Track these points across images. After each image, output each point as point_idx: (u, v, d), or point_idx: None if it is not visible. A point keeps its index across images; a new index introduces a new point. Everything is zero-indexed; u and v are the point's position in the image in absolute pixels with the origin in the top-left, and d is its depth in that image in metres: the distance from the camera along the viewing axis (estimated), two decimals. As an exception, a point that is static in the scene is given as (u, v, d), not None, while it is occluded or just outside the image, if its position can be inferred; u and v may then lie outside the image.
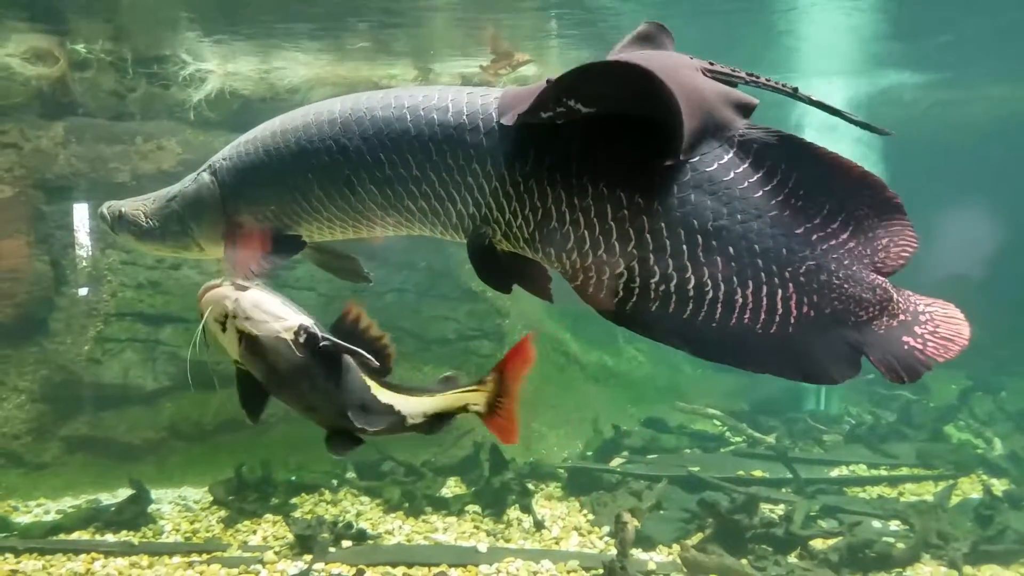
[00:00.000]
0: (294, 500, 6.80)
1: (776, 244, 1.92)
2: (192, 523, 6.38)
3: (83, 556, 5.67)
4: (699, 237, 1.94)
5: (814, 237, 1.93)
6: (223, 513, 6.50)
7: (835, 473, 7.84)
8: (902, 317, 1.98)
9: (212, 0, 6.50)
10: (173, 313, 7.53)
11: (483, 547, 5.92)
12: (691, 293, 1.95)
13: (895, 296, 1.98)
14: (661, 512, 6.55)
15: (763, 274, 1.93)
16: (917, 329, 1.98)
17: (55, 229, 7.24)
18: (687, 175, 1.93)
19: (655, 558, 5.84)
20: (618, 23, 7.52)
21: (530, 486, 6.95)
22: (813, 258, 1.93)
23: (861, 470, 7.97)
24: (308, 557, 5.63)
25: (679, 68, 1.94)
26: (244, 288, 2.33)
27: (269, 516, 6.44)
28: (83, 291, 7.27)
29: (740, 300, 1.94)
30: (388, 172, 2.25)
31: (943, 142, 10.58)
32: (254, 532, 6.21)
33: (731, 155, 1.92)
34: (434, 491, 6.85)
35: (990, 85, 10.58)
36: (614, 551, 5.64)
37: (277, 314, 2.33)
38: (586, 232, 2.01)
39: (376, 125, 2.24)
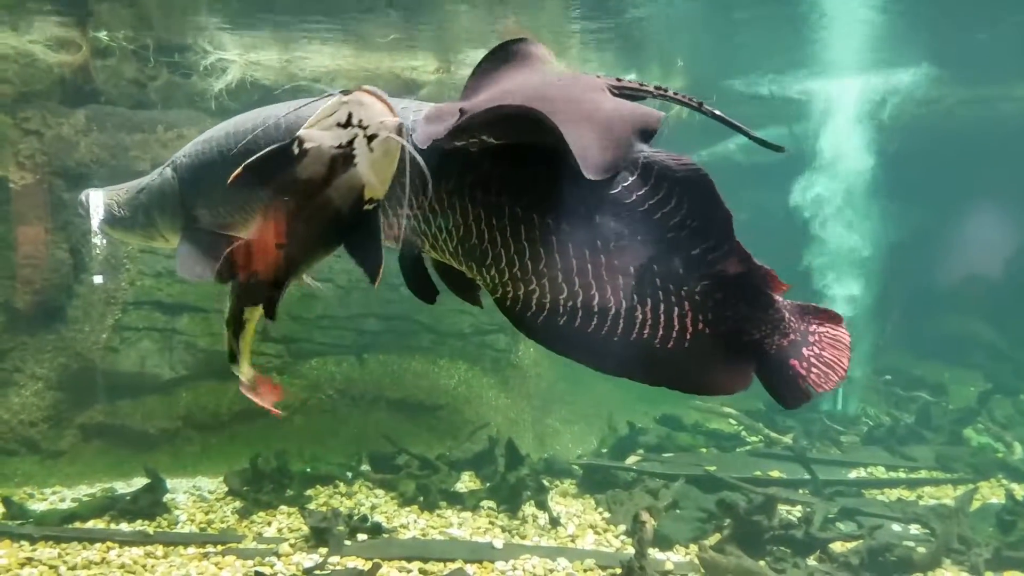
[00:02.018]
0: (309, 492, 6.78)
1: (674, 264, 2.02)
2: (207, 513, 6.37)
3: (98, 545, 5.66)
4: (603, 256, 2.05)
5: (709, 257, 2.02)
6: (238, 504, 6.49)
7: (853, 475, 7.76)
8: (793, 337, 2.09)
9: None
10: (191, 302, 7.53)
11: (499, 543, 5.88)
12: (596, 309, 2.06)
13: (787, 315, 2.08)
14: (678, 511, 6.49)
15: (661, 292, 2.03)
16: (805, 351, 2.09)
17: (75, 217, 7.24)
18: (593, 197, 2.03)
19: (672, 558, 5.79)
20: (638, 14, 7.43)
21: (545, 482, 6.91)
22: (708, 277, 2.03)
23: (879, 472, 7.88)
24: (323, 550, 5.61)
25: (584, 94, 2.02)
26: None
27: (284, 508, 6.43)
28: (98, 279, 7.28)
29: (640, 316, 2.05)
30: None
31: (966, 141, 10.43)
32: (269, 523, 6.19)
33: (635, 177, 2.00)
34: (449, 485, 6.82)
35: (1017, 85, 10.42)
36: (631, 550, 5.60)
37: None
38: (502, 249, 2.12)
39: None
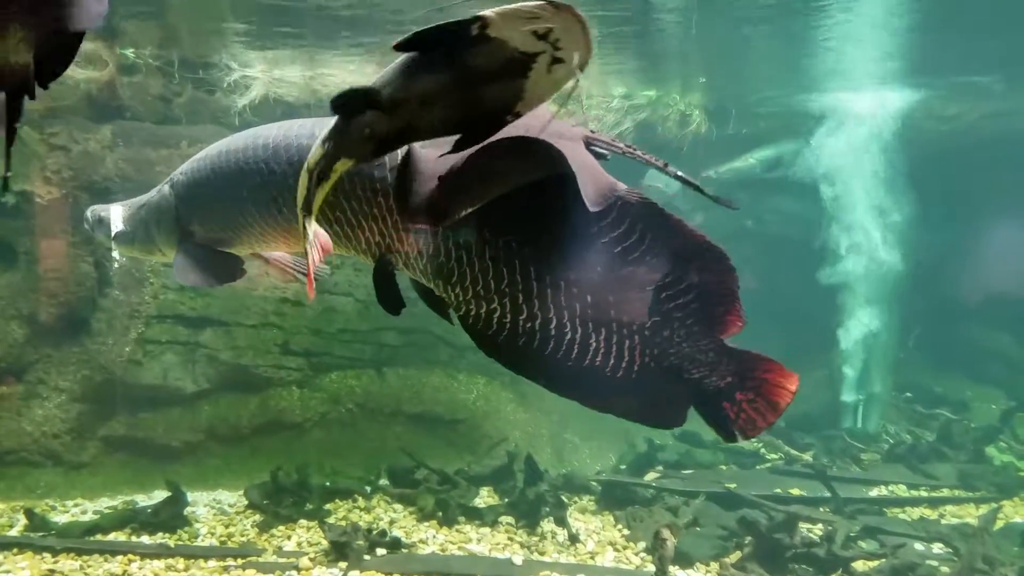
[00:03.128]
0: (328, 506, 6.79)
1: (628, 297, 2.13)
2: (227, 527, 6.39)
3: (119, 557, 5.68)
4: (562, 283, 2.15)
5: (662, 295, 2.13)
6: (258, 517, 6.51)
7: (874, 493, 7.68)
8: (729, 379, 2.18)
9: (260, 7, 6.55)
10: (213, 316, 7.59)
11: (518, 559, 5.86)
12: (552, 333, 2.18)
13: (725, 359, 2.17)
14: (698, 529, 6.44)
15: (614, 323, 2.15)
16: (738, 395, 2.19)
17: (98, 231, 7.33)
18: (557, 226, 2.15)
19: (693, 576, 5.75)
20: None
21: (564, 498, 6.88)
22: (659, 314, 2.14)
23: (900, 490, 7.80)
24: (343, 564, 5.60)
25: (572, 144, 2.10)
26: None
27: (304, 521, 6.44)
28: (118, 293, 7.36)
29: (593, 344, 2.17)
30: None
31: (988, 155, 10.36)
32: (289, 537, 6.20)
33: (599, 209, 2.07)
34: (468, 500, 6.81)
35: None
36: (651, 567, 5.56)
37: None
38: (467, 270, 2.23)
39: (301, 153, 2.46)
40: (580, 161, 2.03)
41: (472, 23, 1.74)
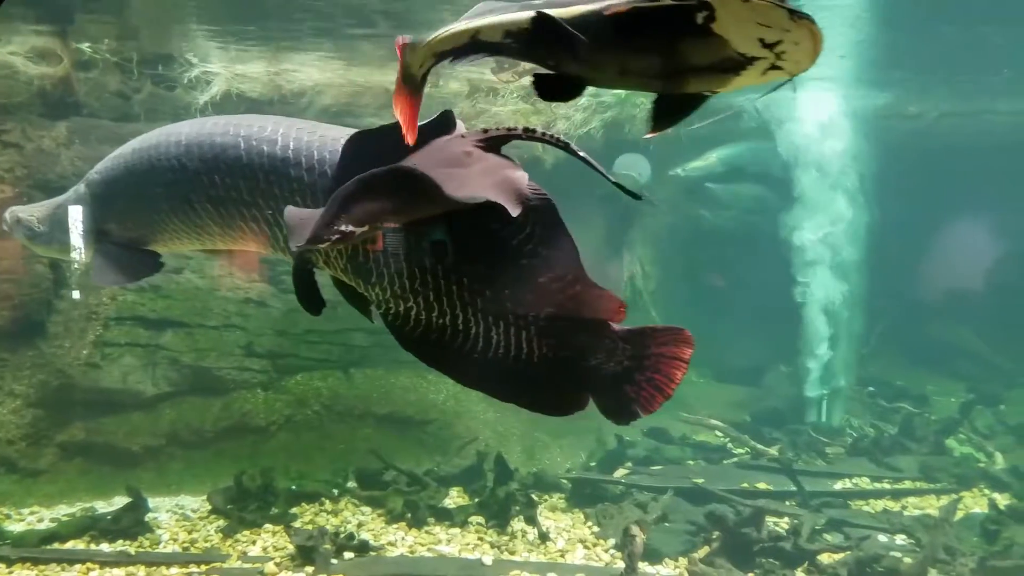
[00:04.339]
0: (294, 510, 6.68)
1: (524, 291, 2.21)
2: (190, 532, 6.26)
3: (78, 566, 5.54)
4: (465, 280, 2.23)
5: (554, 287, 2.20)
6: (222, 522, 6.39)
7: (839, 486, 7.80)
8: (627, 363, 2.25)
9: (222, 1, 6.42)
10: (174, 317, 7.43)
11: (488, 559, 5.83)
12: (460, 328, 2.26)
13: (621, 343, 2.24)
14: (667, 525, 6.48)
15: (512, 316, 2.22)
16: (637, 376, 2.26)
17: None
18: (462, 225, 2.21)
19: (662, 571, 5.78)
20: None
21: (534, 497, 6.87)
22: (552, 305, 2.21)
23: (864, 483, 7.93)
24: (310, 569, 5.53)
25: (448, 168, 2.16)
26: None
27: (269, 526, 6.33)
28: (76, 294, 7.17)
29: (495, 338, 2.25)
30: (221, 193, 2.52)
31: (953, 155, 10.58)
32: (254, 542, 6.10)
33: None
34: (437, 501, 6.76)
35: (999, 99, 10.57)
36: (620, 564, 5.58)
37: None
38: (384, 269, 2.29)
39: (214, 150, 2.50)
40: (492, 175, 2.08)
41: (698, 10, 1.59)
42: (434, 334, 2.31)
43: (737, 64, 1.67)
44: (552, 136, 2.19)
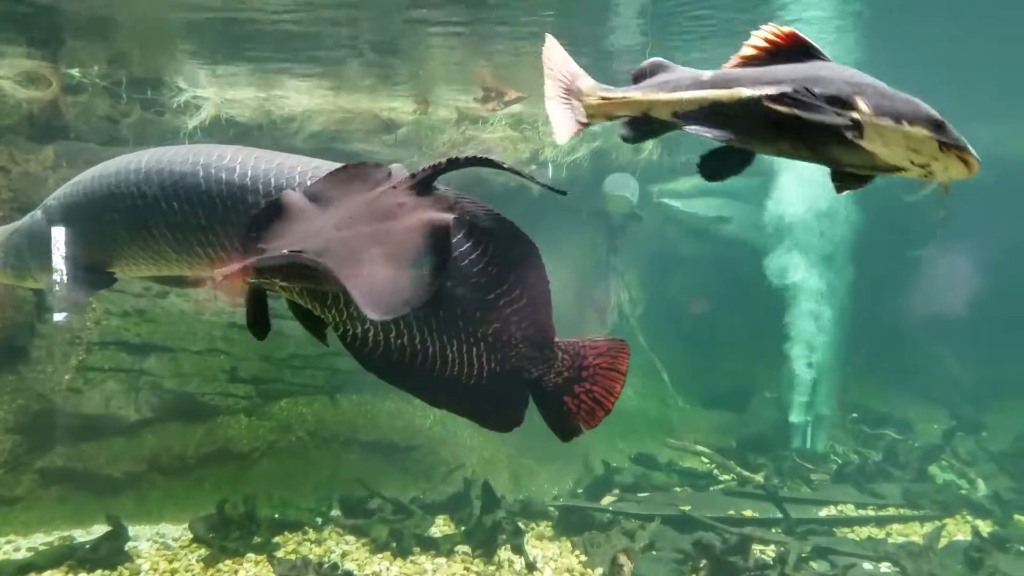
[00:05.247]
0: (277, 539, 6.58)
1: (473, 308, 2.26)
2: (171, 562, 6.14)
3: (56, 596, 5.43)
4: None
5: (501, 302, 2.27)
6: (203, 551, 6.27)
7: (824, 512, 7.81)
8: (566, 375, 2.33)
9: (213, 28, 6.47)
10: (158, 342, 7.35)
11: (474, 588, 5.77)
12: (418, 347, 2.32)
13: (559, 355, 2.33)
14: (654, 553, 6.44)
15: (463, 333, 2.28)
16: (576, 388, 2.33)
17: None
18: None
19: (650, 600, 5.73)
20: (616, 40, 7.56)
21: (521, 525, 6.82)
22: (498, 320, 2.28)
23: (849, 509, 7.95)
24: (293, 598, 5.44)
25: (378, 224, 2.18)
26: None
27: (251, 555, 6.23)
28: (58, 317, 7.09)
29: (449, 355, 2.31)
30: (179, 220, 2.56)
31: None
32: (236, 572, 5.99)
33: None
34: (423, 530, 6.69)
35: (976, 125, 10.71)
36: (608, 593, 5.53)
37: None
38: (340, 293, 2.29)
39: (173, 177, 2.54)
40: (414, 233, 2.12)
41: (846, 128, 1.71)
42: (394, 354, 2.34)
43: (887, 170, 1.78)
44: (474, 158, 2.27)
